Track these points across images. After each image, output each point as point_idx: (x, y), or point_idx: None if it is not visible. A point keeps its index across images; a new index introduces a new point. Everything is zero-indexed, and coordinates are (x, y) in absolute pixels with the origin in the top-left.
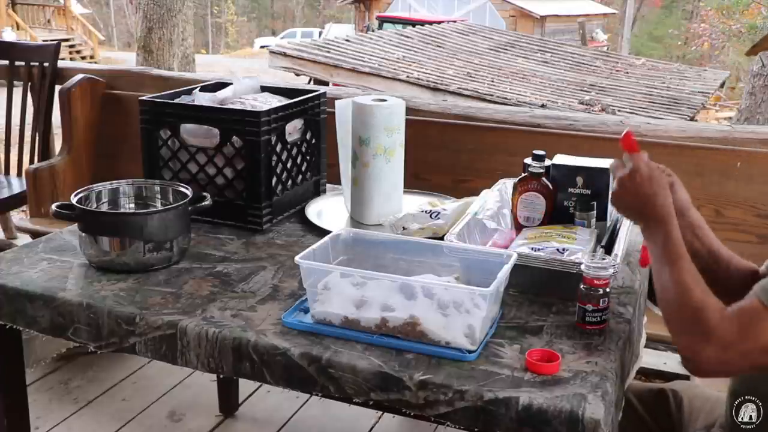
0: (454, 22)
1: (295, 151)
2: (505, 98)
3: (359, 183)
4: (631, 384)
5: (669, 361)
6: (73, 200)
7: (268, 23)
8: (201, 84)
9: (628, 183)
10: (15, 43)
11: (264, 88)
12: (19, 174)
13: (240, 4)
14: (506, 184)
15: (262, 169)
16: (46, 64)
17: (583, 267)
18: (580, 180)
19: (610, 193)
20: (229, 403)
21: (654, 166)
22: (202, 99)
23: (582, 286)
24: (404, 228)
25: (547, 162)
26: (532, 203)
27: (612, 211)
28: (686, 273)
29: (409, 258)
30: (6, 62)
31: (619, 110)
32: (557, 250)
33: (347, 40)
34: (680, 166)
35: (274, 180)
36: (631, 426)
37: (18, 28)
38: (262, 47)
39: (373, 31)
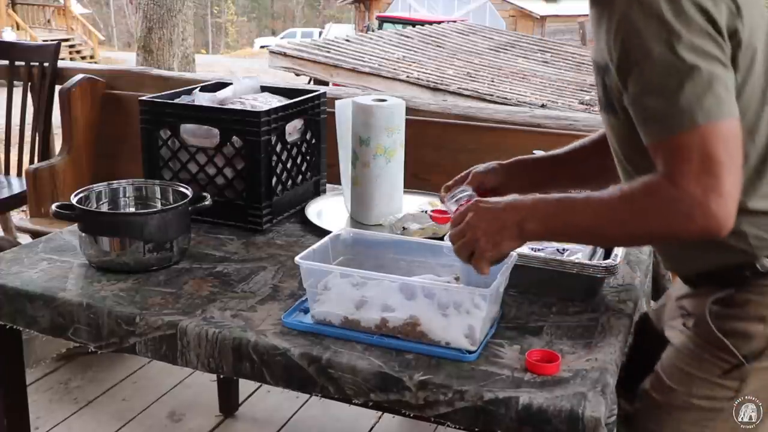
0: (454, 22)
1: (295, 151)
2: (505, 98)
3: (359, 183)
4: None
5: None
6: (73, 200)
7: (268, 23)
8: (201, 84)
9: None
10: (15, 43)
11: (264, 88)
12: (19, 174)
13: (240, 4)
14: None
15: (262, 169)
16: (46, 64)
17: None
18: None
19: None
20: (229, 403)
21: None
22: (202, 99)
23: None
24: (404, 228)
25: None
26: None
27: None
28: (590, 210)
29: (409, 258)
30: (6, 62)
31: None
32: (557, 250)
33: (347, 40)
34: None
35: (274, 180)
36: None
37: (18, 28)
38: (262, 47)
39: (373, 31)
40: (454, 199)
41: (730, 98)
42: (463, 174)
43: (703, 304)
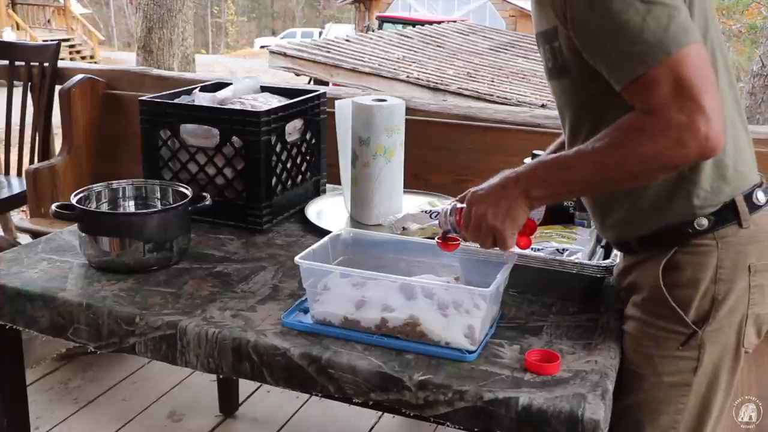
0: (454, 22)
1: (295, 151)
2: (505, 98)
3: (359, 183)
4: None
5: None
6: (73, 200)
7: (268, 23)
8: (201, 84)
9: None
10: (15, 43)
11: (264, 88)
12: (19, 174)
13: (240, 4)
14: None
15: (262, 169)
16: (46, 64)
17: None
18: None
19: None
20: (229, 403)
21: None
22: (202, 99)
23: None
24: (404, 228)
25: None
26: None
27: None
28: (585, 161)
29: (409, 258)
30: (6, 62)
31: None
32: (557, 250)
33: (347, 40)
34: None
35: (274, 180)
36: None
37: (18, 28)
38: (262, 47)
39: (373, 31)
40: (447, 214)
41: (691, 24)
42: (460, 196)
43: (652, 274)
